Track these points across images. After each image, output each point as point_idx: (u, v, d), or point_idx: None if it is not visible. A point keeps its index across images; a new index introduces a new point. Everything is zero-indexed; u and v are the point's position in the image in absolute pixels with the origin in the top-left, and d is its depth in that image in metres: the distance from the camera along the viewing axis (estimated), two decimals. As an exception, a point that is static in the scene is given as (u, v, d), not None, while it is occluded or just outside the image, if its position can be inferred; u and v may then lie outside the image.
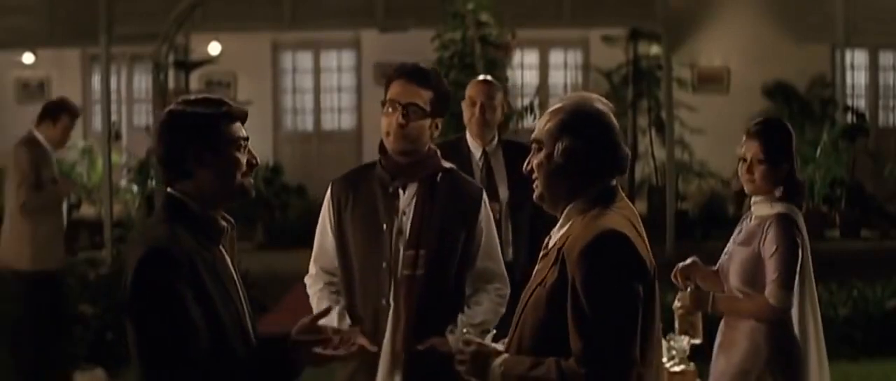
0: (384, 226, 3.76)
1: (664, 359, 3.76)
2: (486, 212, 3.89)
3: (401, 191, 3.80)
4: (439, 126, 3.83)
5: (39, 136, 6.93)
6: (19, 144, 6.95)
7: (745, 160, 4.08)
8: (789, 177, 4.06)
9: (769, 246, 3.93)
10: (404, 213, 3.78)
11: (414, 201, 3.78)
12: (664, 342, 3.77)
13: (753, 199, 4.10)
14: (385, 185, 3.80)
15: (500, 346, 2.87)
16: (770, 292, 3.92)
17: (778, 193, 4.04)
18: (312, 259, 3.96)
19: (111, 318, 7.40)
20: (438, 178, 3.83)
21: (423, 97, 3.74)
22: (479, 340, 2.88)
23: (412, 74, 3.78)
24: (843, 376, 6.83)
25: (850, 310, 7.82)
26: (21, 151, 6.90)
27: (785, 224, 3.95)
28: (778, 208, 4.02)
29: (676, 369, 3.85)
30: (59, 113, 6.95)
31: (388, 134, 3.77)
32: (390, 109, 3.76)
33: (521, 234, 4.97)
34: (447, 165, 3.89)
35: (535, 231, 4.78)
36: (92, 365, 7.10)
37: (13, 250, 6.81)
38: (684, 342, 3.88)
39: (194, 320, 2.67)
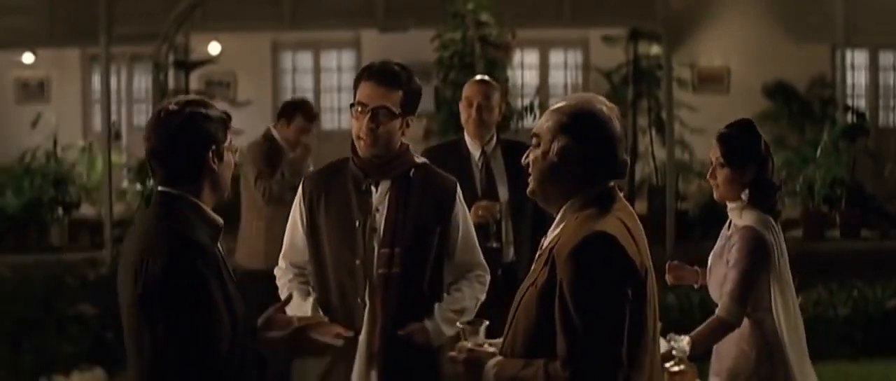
0: (357, 223, 3.74)
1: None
2: (462, 205, 3.87)
3: (374, 188, 3.77)
4: (410, 123, 3.78)
5: (276, 134, 6.88)
6: (254, 140, 6.88)
7: (711, 164, 4.08)
8: (758, 180, 4.01)
9: (731, 258, 3.93)
10: (378, 210, 3.75)
11: (387, 197, 3.76)
12: (664, 343, 3.77)
13: (728, 205, 4.09)
14: (358, 182, 3.78)
15: (493, 348, 2.86)
16: (722, 304, 3.92)
17: (744, 197, 4.02)
18: (282, 254, 3.94)
19: (111, 318, 7.40)
20: (411, 173, 3.81)
21: (393, 99, 3.70)
22: (471, 345, 2.86)
23: (381, 75, 3.72)
24: (843, 376, 6.84)
25: (851, 310, 7.82)
26: (254, 146, 6.87)
27: (748, 238, 3.92)
28: (747, 218, 3.99)
29: (676, 369, 3.85)
30: (293, 113, 6.88)
31: (359, 138, 3.74)
32: (359, 112, 3.71)
33: (523, 234, 4.96)
34: (420, 160, 3.87)
35: (538, 231, 4.76)
36: (92, 365, 7.10)
37: (248, 249, 6.76)
38: (684, 342, 3.88)
39: (222, 312, 2.73)
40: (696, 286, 4.36)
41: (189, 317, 2.69)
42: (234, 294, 2.82)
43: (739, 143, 4.03)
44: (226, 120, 2.90)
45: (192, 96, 2.93)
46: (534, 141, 2.83)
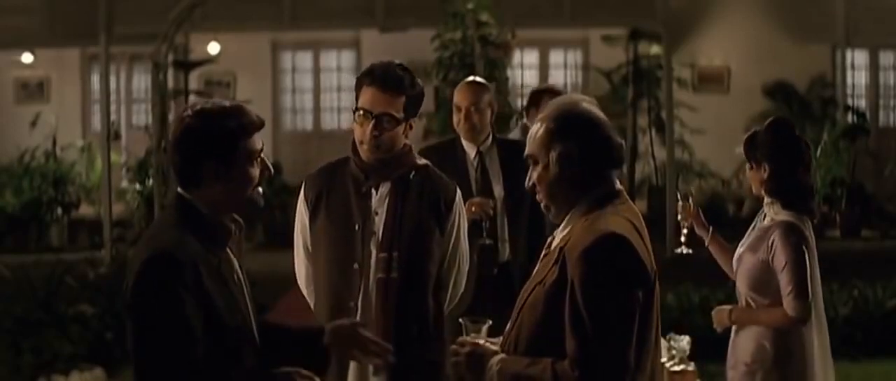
0: (357, 227, 3.71)
1: (664, 359, 3.75)
2: (459, 212, 3.83)
3: (373, 191, 3.74)
4: (413, 126, 3.76)
5: (529, 123, 6.79)
6: (511, 137, 6.79)
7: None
8: (776, 178, 4.03)
9: (779, 259, 3.93)
10: (376, 213, 3.73)
11: (387, 201, 3.73)
12: (664, 342, 3.77)
13: (766, 198, 4.10)
14: (358, 184, 3.75)
15: (494, 345, 2.86)
16: (788, 304, 3.92)
17: (765, 195, 4.04)
18: (298, 259, 3.92)
19: (111, 318, 7.40)
20: (412, 175, 3.78)
21: (396, 105, 3.66)
22: (473, 340, 2.87)
23: (384, 81, 3.66)
24: (843, 376, 6.81)
25: (851, 310, 7.82)
26: None
27: (788, 235, 3.94)
28: (783, 215, 4.01)
29: (676, 369, 3.85)
30: (540, 98, 6.80)
31: (361, 143, 3.71)
32: (362, 118, 3.68)
33: (519, 232, 4.95)
34: (421, 161, 3.84)
35: (535, 230, 4.76)
36: (92, 365, 7.10)
37: None
38: (684, 341, 3.88)
39: (192, 326, 2.66)
40: (705, 243, 4.41)
41: (152, 329, 2.66)
42: (226, 307, 2.76)
43: (757, 142, 4.06)
44: (248, 127, 2.83)
45: (218, 103, 2.84)
46: (530, 161, 2.82)
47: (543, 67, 15.83)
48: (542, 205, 2.84)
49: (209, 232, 2.79)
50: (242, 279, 2.91)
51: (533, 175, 2.82)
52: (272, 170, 2.90)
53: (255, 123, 2.83)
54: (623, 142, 2.82)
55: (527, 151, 2.83)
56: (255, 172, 2.83)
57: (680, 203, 4.47)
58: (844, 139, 13.49)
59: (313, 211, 3.80)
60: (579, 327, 2.60)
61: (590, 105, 2.81)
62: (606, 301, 2.60)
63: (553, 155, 2.76)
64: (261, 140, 2.85)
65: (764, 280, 3.98)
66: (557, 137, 2.75)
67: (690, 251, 4.47)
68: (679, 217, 4.47)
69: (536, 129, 2.80)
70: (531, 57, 15.67)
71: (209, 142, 2.77)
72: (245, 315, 2.85)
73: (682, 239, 4.48)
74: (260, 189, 2.86)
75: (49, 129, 13.89)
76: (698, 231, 4.42)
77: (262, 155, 2.85)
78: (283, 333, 2.99)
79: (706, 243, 4.42)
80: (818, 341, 4.05)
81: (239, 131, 2.79)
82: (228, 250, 2.86)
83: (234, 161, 2.79)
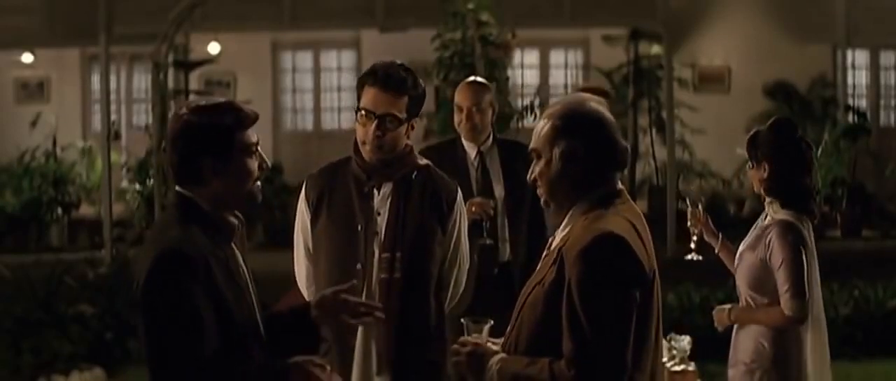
0: (360, 227, 3.71)
1: (664, 359, 3.75)
2: (460, 212, 3.84)
3: (375, 191, 3.75)
4: (415, 126, 3.76)
5: None
6: None
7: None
8: (775, 178, 4.04)
9: (776, 258, 3.94)
10: (379, 213, 3.73)
11: (389, 201, 3.73)
12: (665, 342, 3.77)
13: (765, 197, 4.11)
14: (360, 184, 3.75)
15: (496, 345, 2.86)
16: (784, 303, 3.94)
17: (764, 194, 4.05)
18: (298, 259, 3.91)
19: (111, 318, 7.40)
20: (414, 176, 3.78)
21: (399, 106, 3.66)
22: (475, 340, 2.87)
23: (386, 82, 3.66)
24: (843, 376, 6.82)
25: (852, 310, 7.82)
26: None
27: (785, 234, 3.95)
28: (781, 214, 4.02)
29: (677, 368, 3.85)
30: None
31: (364, 143, 3.71)
32: (365, 118, 3.68)
33: (519, 232, 4.95)
34: (423, 161, 3.84)
35: (535, 230, 4.76)
36: (91, 365, 7.09)
37: None
38: (685, 341, 3.88)
39: (205, 321, 2.67)
40: (716, 250, 4.42)
41: (165, 325, 2.66)
42: (235, 301, 2.77)
43: (759, 141, 4.07)
44: (243, 120, 2.82)
45: (211, 100, 2.86)
46: (533, 156, 2.83)
47: (544, 67, 15.82)
48: (541, 200, 2.84)
49: (214, 226, 2.80)
50: (247, 274, 2.92)
51: (535, 169, 2.82)
52: (269, 163, 2.91)
53: (250, 117, 2.84)
54: (628, 145, 2.83)
55: (531, 144, 2.83)
56: (254, 165, 2.85)
57: (690, 209, 4.48)
58: (845, 139, 13.49)
59: (315, 211, 3.80)
60: (576, 326, 2.60)
61: (598, 105, 2.81)
62: (603, 301, 2.60)
63: (557, 151, 2.76)
64: (256, 134, 2.86)
65: (762, 279, 4.00)
66: (563, 133, 2.76)
67: (700, 258, 4.47)
68: (689, 224, 4.49)
69: (542, 124, 2.81)
70: (531, 57, 15.66)
71: (206, 138, 2.78)
72: (252, 310, 2.87)
73: (692, 246, 4.48)
74: (258, 184, 2.87)
75: (49, 129, 13.89)
76: (708, 238, 4.42)
77: (258, 148, 2.86)
78: (273, 320, 3.00)
79: (716, 251, 4.42)
80: (816, 341, 4.05)
81: (234, 125, 2.81)
82: (233, 245, 2.87)
83: (231, 156, 2.81)
